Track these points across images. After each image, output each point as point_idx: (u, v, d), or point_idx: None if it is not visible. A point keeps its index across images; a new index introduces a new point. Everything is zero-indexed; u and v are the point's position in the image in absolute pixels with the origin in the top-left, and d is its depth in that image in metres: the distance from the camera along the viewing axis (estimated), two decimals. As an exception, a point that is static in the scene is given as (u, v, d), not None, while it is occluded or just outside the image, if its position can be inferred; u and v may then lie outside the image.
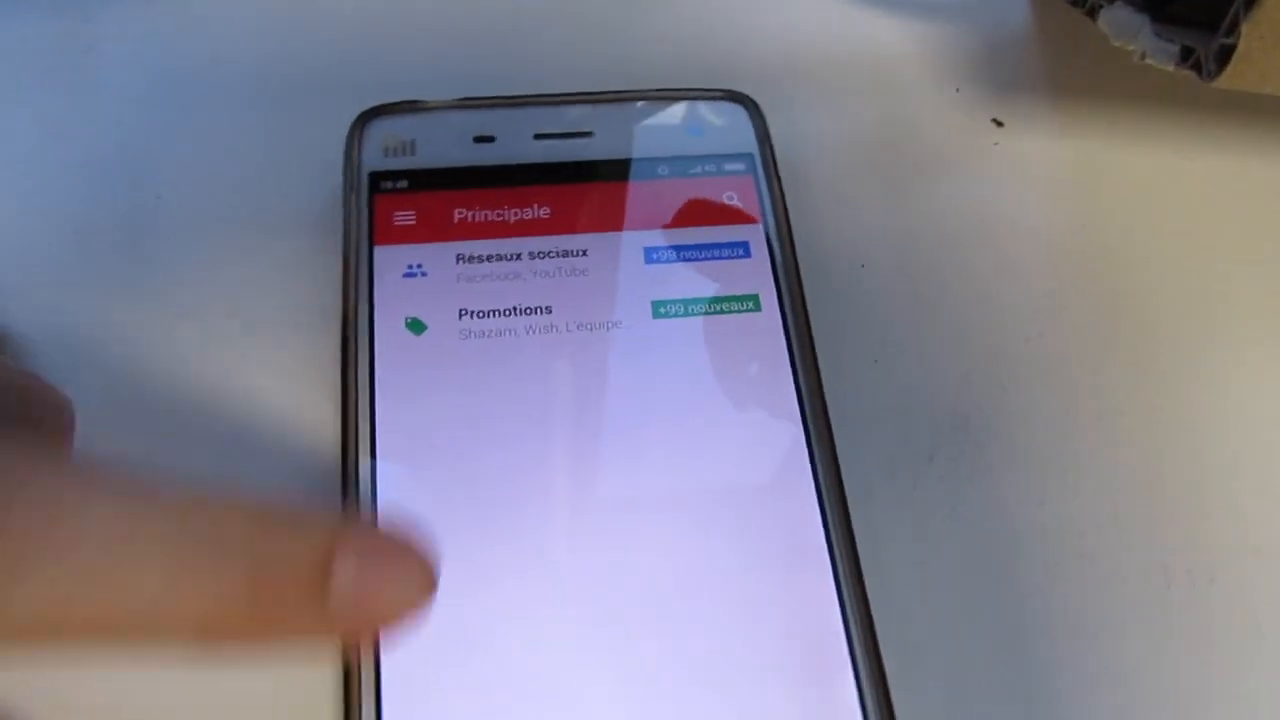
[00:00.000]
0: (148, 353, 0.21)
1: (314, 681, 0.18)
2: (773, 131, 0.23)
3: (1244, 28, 0.18)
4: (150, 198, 0.23)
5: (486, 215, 0.21)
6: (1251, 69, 0.18)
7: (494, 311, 0.20)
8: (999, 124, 0.25)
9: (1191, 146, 0.25)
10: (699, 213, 0.21)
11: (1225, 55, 0.18)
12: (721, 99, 0.23)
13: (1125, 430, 0.21)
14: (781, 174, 0.23)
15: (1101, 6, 0.22)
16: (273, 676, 0.18)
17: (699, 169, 0.22)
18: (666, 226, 0.21)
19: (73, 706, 0.17)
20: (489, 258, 0.20)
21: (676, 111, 0.22)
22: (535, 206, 0.21)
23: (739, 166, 0.22)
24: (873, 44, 0.27)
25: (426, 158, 0.21)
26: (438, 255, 0.20)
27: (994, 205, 0.24)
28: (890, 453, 0.21)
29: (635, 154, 0.22)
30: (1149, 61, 0.21)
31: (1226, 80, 0.18)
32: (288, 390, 0.20)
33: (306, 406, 0.20)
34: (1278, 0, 0.17)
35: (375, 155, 0.21)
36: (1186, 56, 0.20)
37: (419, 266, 0.20)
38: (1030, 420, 0.21)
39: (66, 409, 0.17)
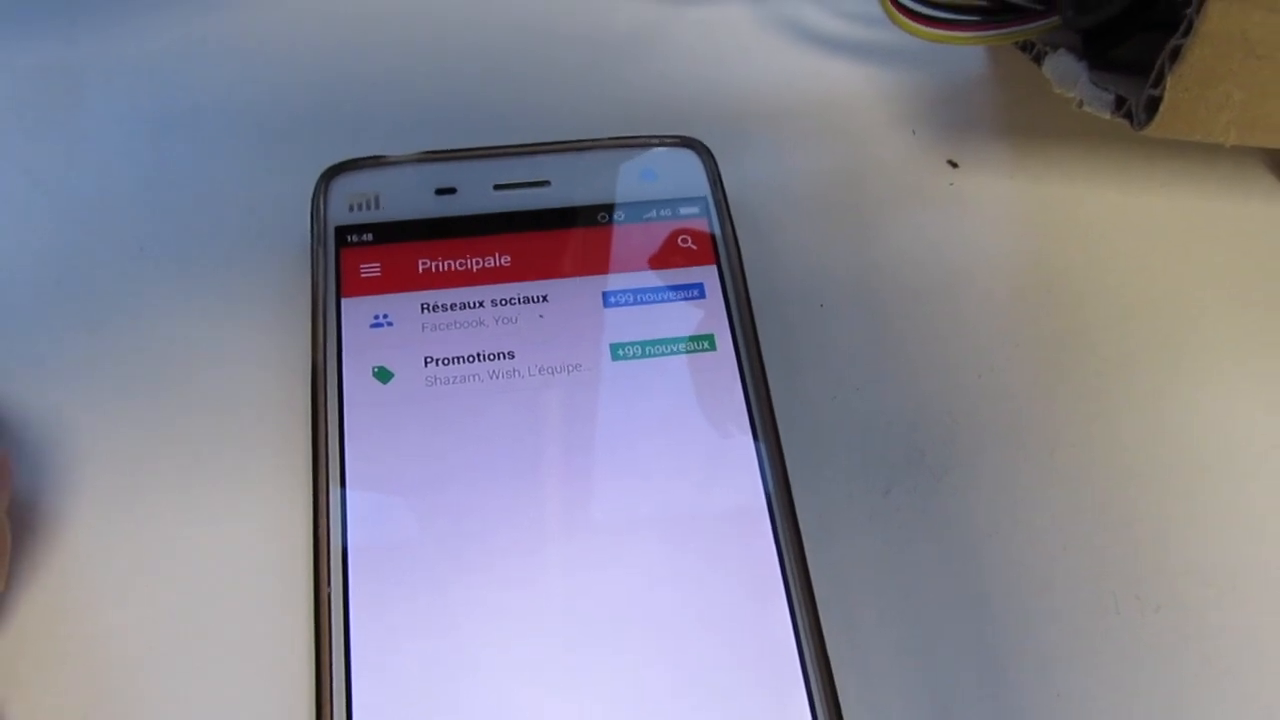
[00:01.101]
0: (126, 398, 0.21)
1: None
2: (732, 176, 0.24)
3: (1168, 80, 0.19)
4: (134, 248, 0.24)
5: (450, 265, 0.21)
6: (1178, 119, 0.19)
7: (458, 358, 0.21)
8: (954, 165, 0.26)
9: (1139, 186, 0.26)
10: (655, 256, 0.22)
11: (1153, 106, 0.19)
12: (674, 145, 0.23)
13: (1075, 462, 0.22)
14: (741, 217, 0.23)
15: (1047, 54, 0.23)
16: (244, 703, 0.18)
17: (654, 213, 0.22)
18: (624, 270, 0.22)
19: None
20: (453, 306, 0.21)
21: (631, 158, 0.23)
22: (496, 255, 0.22)
23: (693, 210, 0.23)
24: (831, 88, 0.27)
25: (390, 211, 0.22)
26: (403, 305, 0.21)
27: (949, 243, 0.25)
28: (846, 486, 0.21)
29: (592, 200, 0.22)
30: (1086, 109, 0.21)
31: (1155, 129, 0.19)
32: (259, 438, 0.21)
33: (277, 452, 0.21)
34: (1200, 54, 0.18)
35: (340, 209, 0.22)
36: (1120, 105, 0.20)
37: (385, 316, 0.21)
38: (983, 453, 0.22)
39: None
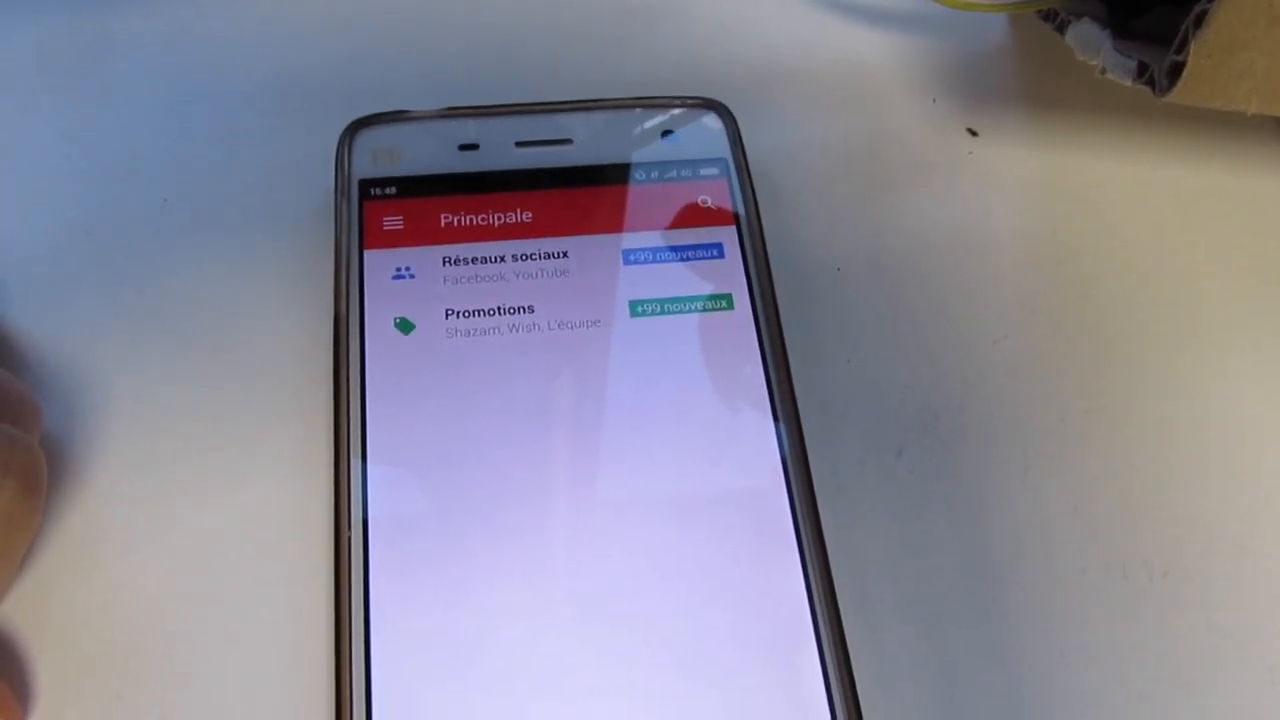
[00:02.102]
0: (151, 348, 0.22)
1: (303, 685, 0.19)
2: (754, 140, 0.24)
3: (1192, 46, 0.19)
4: (158, 201, 0.24)
5: (471, 220, 0.22)
6: (1200, 85, 0.19)
7: (479, 311, 0.21)
8: (974, 134, 0.26)
9: (1158, 157, 0.26)
10: (675, 216, 0.22)
11: (1176, 72, 0.19)
12: (696, 106, 0.23)
13: (1088, 429, 0.22)
14: (762, 181, 0.23)
15: (1070, 23, 0.23)
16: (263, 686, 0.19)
17: (675, 174, 0.23)
18: (643, 229, 0.22)
19: None
20: (474, 260, 0.21)
21: (653, 119, 0.23)
22: (518, 211, 0.22)
23: (713, 171, 0.23)
24: (854, 56, 0.27)
25: (413, 165, 0.22)
26: (425, 258, 0.21)
27: (967, 211, 0.25)
28: (860, 448, 0.22)
29: (613, 160, 0.23)
30: (1109, 76, 0.21)
31: (1177, 95, 0.19)
32: (282, 385, 0.21)
33: (300, 399, 0.21)
34: (1224, 20, 0.18)
35: (365, 163, 0.22)
36: (1142, 72, 0.21)
37: (407, 269, 0.21)
38: (996, 418, 0.22)
39: (32, 408, 0.19)
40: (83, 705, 0.18)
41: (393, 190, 0.22)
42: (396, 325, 0.21)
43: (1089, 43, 0.22)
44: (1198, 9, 0.19)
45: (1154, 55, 0.20)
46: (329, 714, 0.18)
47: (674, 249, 0.22)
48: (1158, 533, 0.21)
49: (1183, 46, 0.19)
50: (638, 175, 0.23)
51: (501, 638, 0.18)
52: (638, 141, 0.23)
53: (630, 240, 0.22)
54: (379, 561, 0.18)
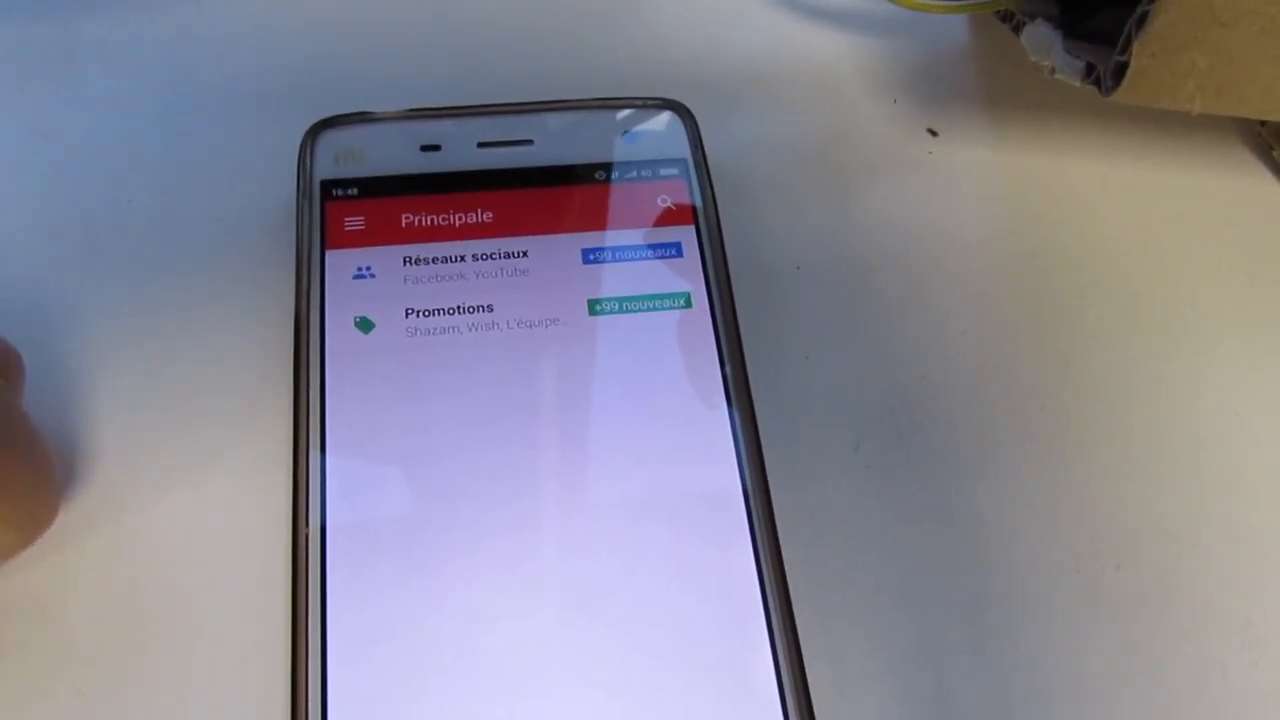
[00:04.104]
0: (112, 347, 0.22)
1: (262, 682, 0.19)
2: (714, 140, 0.24)
3: (1135, 46, 0.19)
4: (121, 200, 0.24)
5: (433, 220, 0.22)
6: (1144, 85, 0.19)
7: (439, 310, 0.21)
8: (934, 134, 0.27)
9: (1118, 157, 0.26)
10: (634, 215, 0.22)
11: (1121, 72, 0.19)
12: (656, 106, 0.24)
13: (1044, 424, 0.22)
14: (722, 180, 0.24)
15: (1025, 24, 0.24)
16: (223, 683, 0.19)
17: (634, 174, 0.23)
18: (603, 229, 0.22)
19: None
20: (435, 259, 0.22)
21: (613, 119, 0.23)
22: (479, 211, 0.22)
23: (673, 171, 0.23)
24: (815, 56, 0.28)
25: (375, 166, 0.22)
26: (386, 258, 0.21)
27: (926, 210, 0.25)
28: (817, 442, 0.22)
29: (573, 160, 0.23)
30: (1058, 77, 0.22)
31: (1122, 95, 0.20)
32: (244, 384, 0.22)
33: (262, 397, 0.21)
34: (1166, 20, 0.19)
35: (326, 164, 0.22)
36: (1090, 72, 0.21)
37: (368, 269, 0.21)
38: (953, 414, 0.22)
39: (16, 359, 0.19)
40: (45, 704, 0.18)
41: (355, 191, 0.22)
42: (357, 324, 0.21)
43: (1041, 43, 0.22)
44: (1140, 9, 0.19)
45: (1102, 56, 0.21)
46: (286, 709, 0.18)
47: (633, 248, 0.22)
48: (1112, 527, 0.21)
49: (1127, 46, 0.19)
50: (598, 175, 0.23)
51: (456, 632, 0.18)
52: (598, 142, 0.23)
53: (589, 240, 0.22)
54: (336, 562, 0.18)
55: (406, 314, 0.21)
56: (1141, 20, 0.19)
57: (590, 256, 0.22)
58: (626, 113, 0.24)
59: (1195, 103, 0.20)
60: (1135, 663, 0.20)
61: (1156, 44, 0.19)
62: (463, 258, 0.22)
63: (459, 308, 0.21)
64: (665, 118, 0.24)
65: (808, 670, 0.18)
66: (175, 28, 0.27)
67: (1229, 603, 0.20)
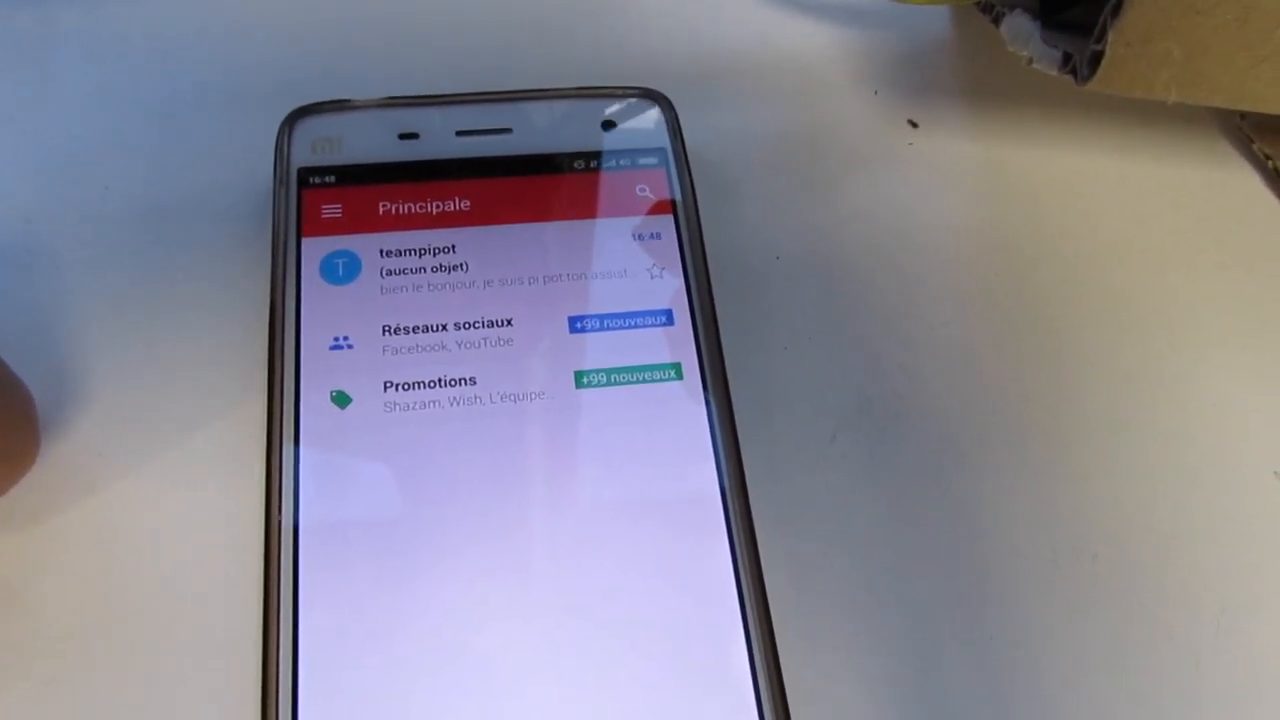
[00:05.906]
0: (88, 336, 0.22)
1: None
2: (693, 130, 0.24)
3: (1110, 35, 0.19)
4: (99, 188, 0.24)
5: (410, 208, 0.22)
6: (1119, 74, 0.19)
7: (419, 384, 0.20)
8: (914, 125, 0.27)
9: (1098, 149, 0.26)
10: (612, 204, 0.22)
11: (1096, 61, 0.20)
12: (635, 96, 0.24)
13: (1021, 416, 0.22)
14: (701, 170, 0.24)
15: (1004, 15, 0.24)
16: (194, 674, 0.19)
17: (613, 163, 0.23)
18: (581, 217, 0.22)
19: None
20: (414, 329, 0.21)
21: (592, 108, 0.23)
22: (456, 199, 0.22)
23: (652, 160, 0.23)
24: (796, 47, 0.28)
25: (353, 154, 0.22)
26: (363, 245, 0.21)
27: (907, 201, 0.25)
28: (793, 432, 0.22)
29: (552, 149, 0.23)
30: (1035, 67, 0.22)
31: (1097, 84, 0.20)
32: (221, 372, 0.22)
33: (239, 387, 0.21)
34: (1140, 9, 0.19)
35: (304, 151, 0.22)
36: (1066, 62, 0.21)
37: (345, 339, 0.21)
38: (931, 405, 0.22)
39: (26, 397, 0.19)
40: (15, 691, 0.18)
41: (332, 179, 0.22)
42: (333, 399, 0.20)
43: (1019, 34, 0.22)
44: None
45: (1079, 45, 0.21)
46: (257, 705, 0.18)
47: (611, 236, 0.22)
48: (1089, 518, 0.21)
49: (1102, 36, 0.19)
50: (576, 164, 0.23)
51: (430, 629, 0.18)
52: (577, 131, 0.23)
53: (562, 229, 0.22)
54: (309, 564, 0.18)
55: (385, 388, 0.20)
56: (1117, 9, 0.19)
57: (565, 241, 0.22)
58: (606, 102, 0.24)
59: (1170, 92, 0.20)
60: (1113, 654, 0.20)
61: (1131, 33, 0.19)
62: (444, 327, 0.21)
63: (441, 380, 0.20)
64: (645, 107, 0.24)
65: (784, 663, 0.18)
66: (153, 16, 0.27)
67: (1203, 594, 0.21)
